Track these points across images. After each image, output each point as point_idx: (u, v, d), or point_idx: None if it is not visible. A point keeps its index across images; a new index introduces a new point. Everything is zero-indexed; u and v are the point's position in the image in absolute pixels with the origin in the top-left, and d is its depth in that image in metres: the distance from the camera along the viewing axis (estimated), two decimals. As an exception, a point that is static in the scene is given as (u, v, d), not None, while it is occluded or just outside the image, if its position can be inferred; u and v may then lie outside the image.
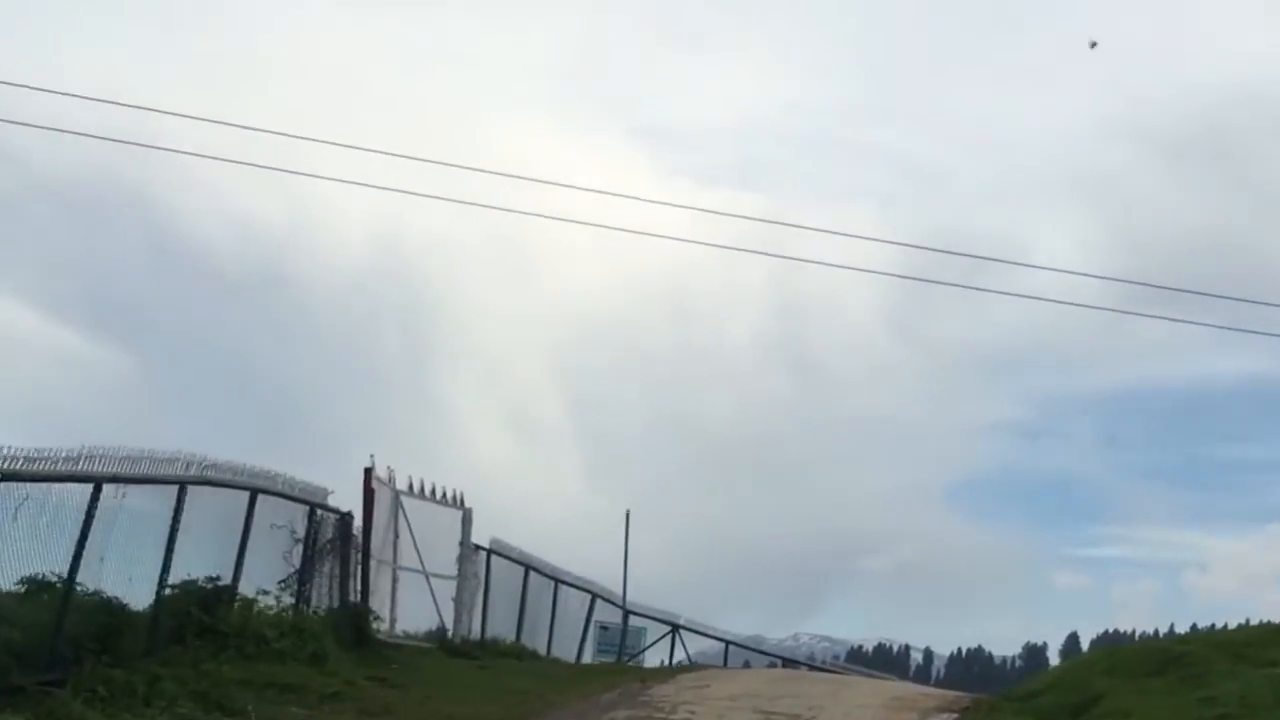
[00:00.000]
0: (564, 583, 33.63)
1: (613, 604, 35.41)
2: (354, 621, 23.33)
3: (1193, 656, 22.77)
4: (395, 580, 26.38)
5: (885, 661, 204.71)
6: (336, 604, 23.39)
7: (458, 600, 28.08)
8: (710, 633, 39.23)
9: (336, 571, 23.45)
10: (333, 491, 22.87)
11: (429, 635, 27.40)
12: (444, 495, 27.98)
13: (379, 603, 25.36)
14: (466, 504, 28.48)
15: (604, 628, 36.75)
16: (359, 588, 24.42)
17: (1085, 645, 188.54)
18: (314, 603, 22.57)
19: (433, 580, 27.58)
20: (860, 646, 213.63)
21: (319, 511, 22.53)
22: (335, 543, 23.27)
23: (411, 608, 27.13)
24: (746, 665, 41.46)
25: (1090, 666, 24.50)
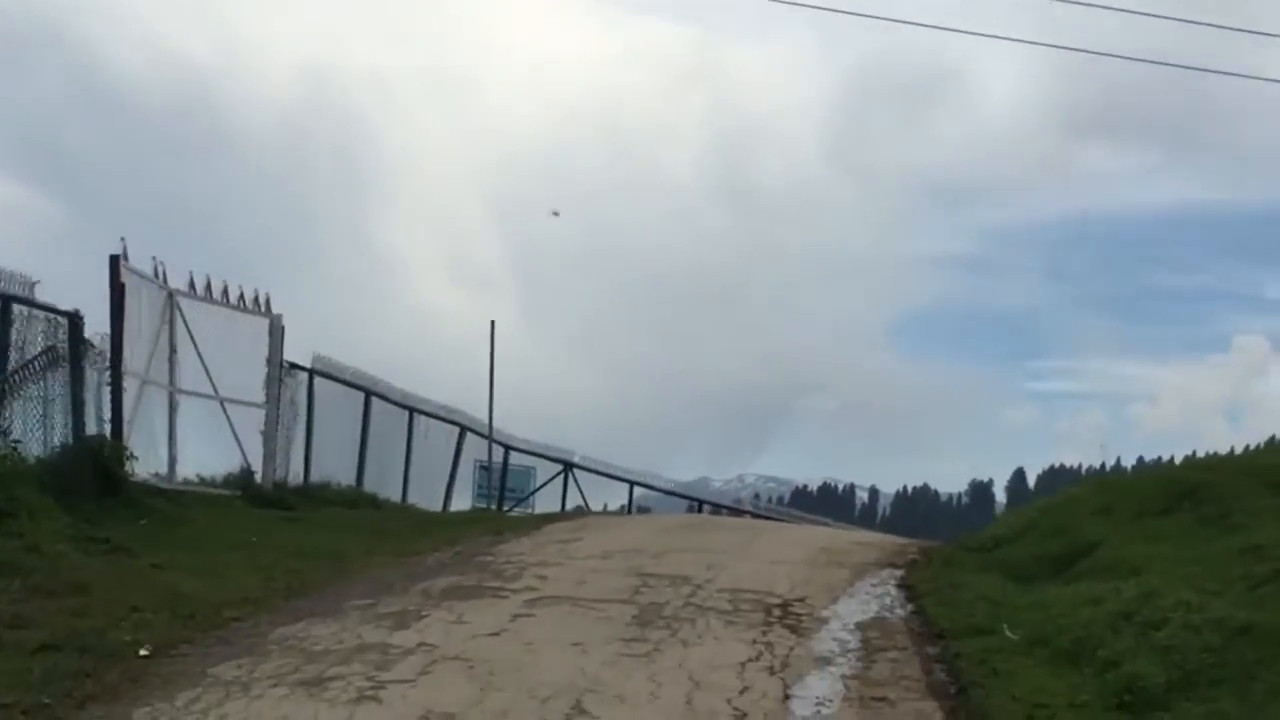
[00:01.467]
0: (421, 412, 27.60)
1: (495, 442, 29.55)
2: (95, 462, 17.20)
3: (1215, 488, 17.05)
4: (174, 408, 20.28)
5: (830, 501, 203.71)
6: (69, 439, 17.24)
7: (267, 434, 22.03)
8: (610, 471, 33.44)
9: (65, 394, 17.24)
10: (38, 281, 16.52)
11: (231, 480, 21.40)
12: (241, 299, 21.74)
13: (144, 438, 19.32)
14: (274, 310, 22.24)
15: (484, 468, 30.96)
16: (108, 417, 18.29)
17: (1031, 481, 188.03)
18: (20, 435, 16.39)
19: (230, 408, 21.51)
20: (805, 486, 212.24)
21: (16, 308, 16.24)
22: (58, 354, 17.03)
23: (202, 445, 21.16)
24: (693, 509, 35.74)
25: (1075, 504, 18.83)
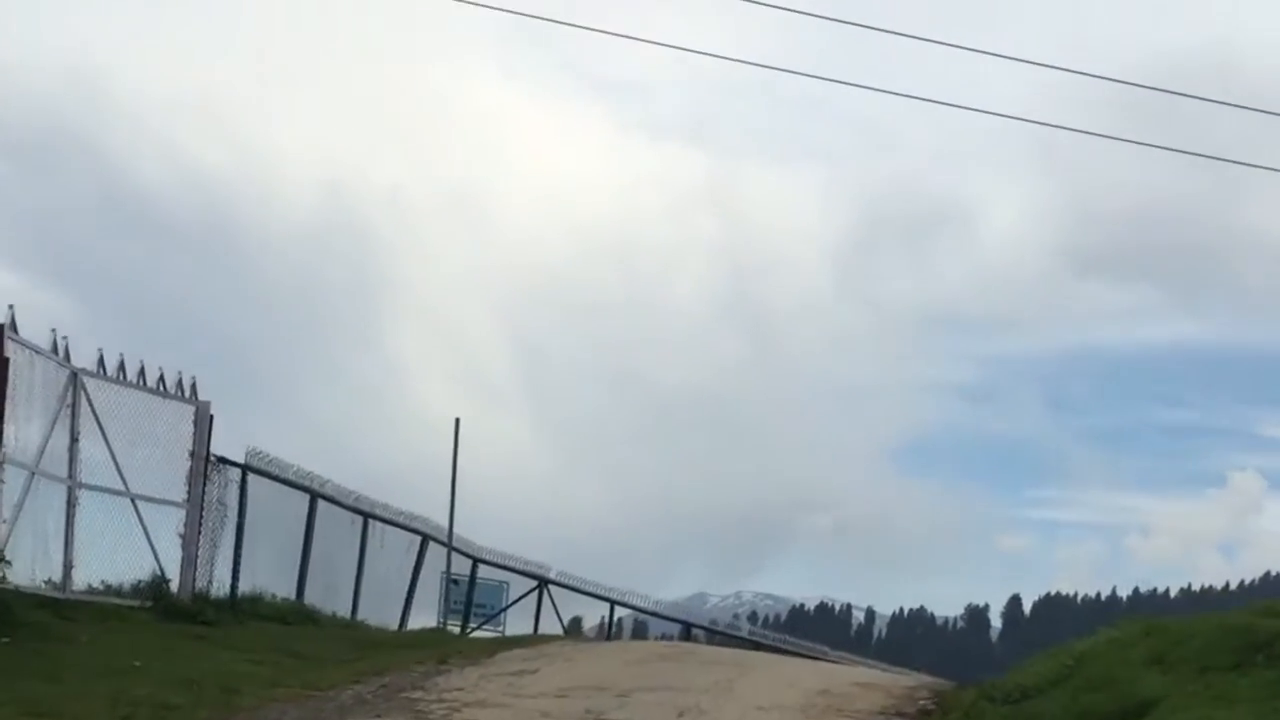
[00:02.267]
0: (376, 518, 24.73)
1: (458, 551, 26.71)
2: (-43, 568, 14.45)
3: (1296, 640, 14.13)
4: (73, 505, 17.48)
5: (827, 620, 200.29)
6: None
7: (186, 537, 19.23)
8: (589, 589, 30.48)
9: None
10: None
11: (141, 589, 18.57)
12: (161, 382, 19.02)
13: (32, 539, 16.56)
14: (201, 396, 19.50)
15: (453, 581, 28.16)
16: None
17: (1027, 607, 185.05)
18: None
19: (144, 507, 18.73)
20: (802, 605, 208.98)
21: None
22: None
23: (109, 549, 18.38)
24: (689, 636, 32.75)
25: (1119, 651, 15.92)
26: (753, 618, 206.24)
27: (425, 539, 26.17)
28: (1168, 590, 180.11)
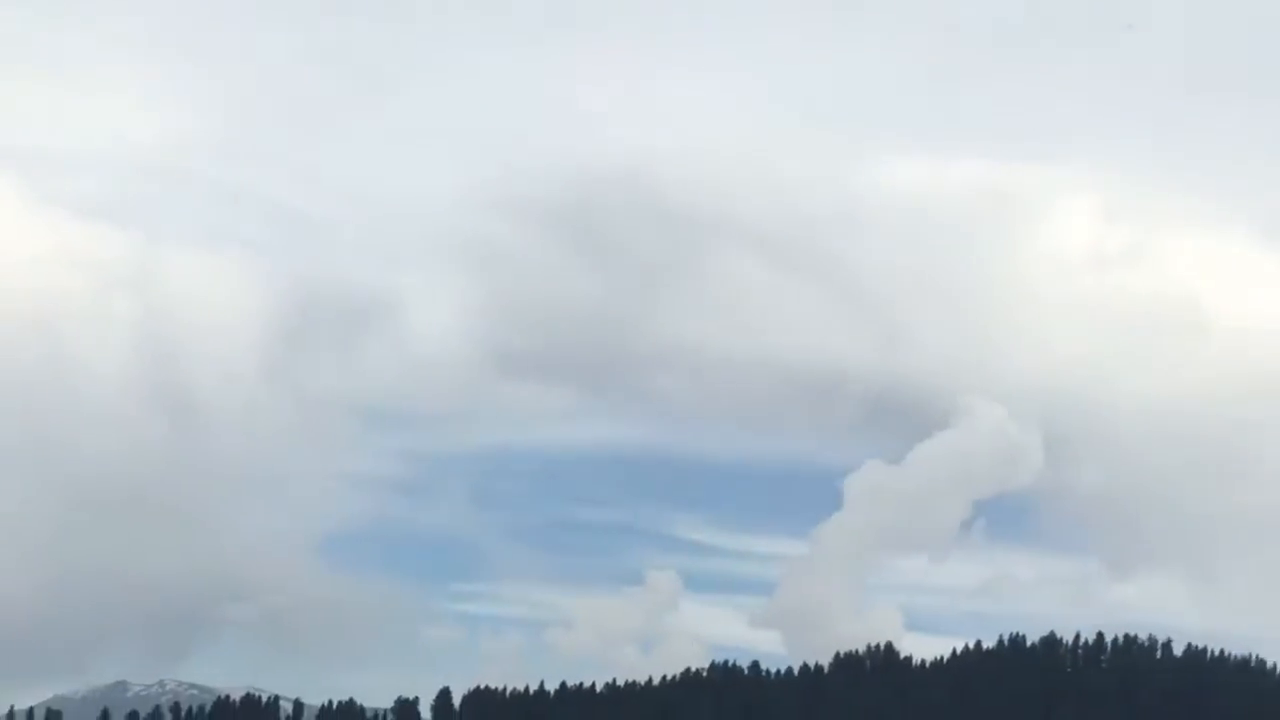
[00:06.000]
0: None
1: None
2: None
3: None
4: None
5: (254, 713, 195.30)
6: None
7: None
8: None
9: None
10: None
11: None
12: None
13: None
14: None
15: None
16: None
17: (457, 700, 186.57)
18: None
19: None
20: (228, 696, 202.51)
21: None
22: None
23: None
24: None
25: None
26: (175, 709, 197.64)
27: None
28: (593, 684, 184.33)
